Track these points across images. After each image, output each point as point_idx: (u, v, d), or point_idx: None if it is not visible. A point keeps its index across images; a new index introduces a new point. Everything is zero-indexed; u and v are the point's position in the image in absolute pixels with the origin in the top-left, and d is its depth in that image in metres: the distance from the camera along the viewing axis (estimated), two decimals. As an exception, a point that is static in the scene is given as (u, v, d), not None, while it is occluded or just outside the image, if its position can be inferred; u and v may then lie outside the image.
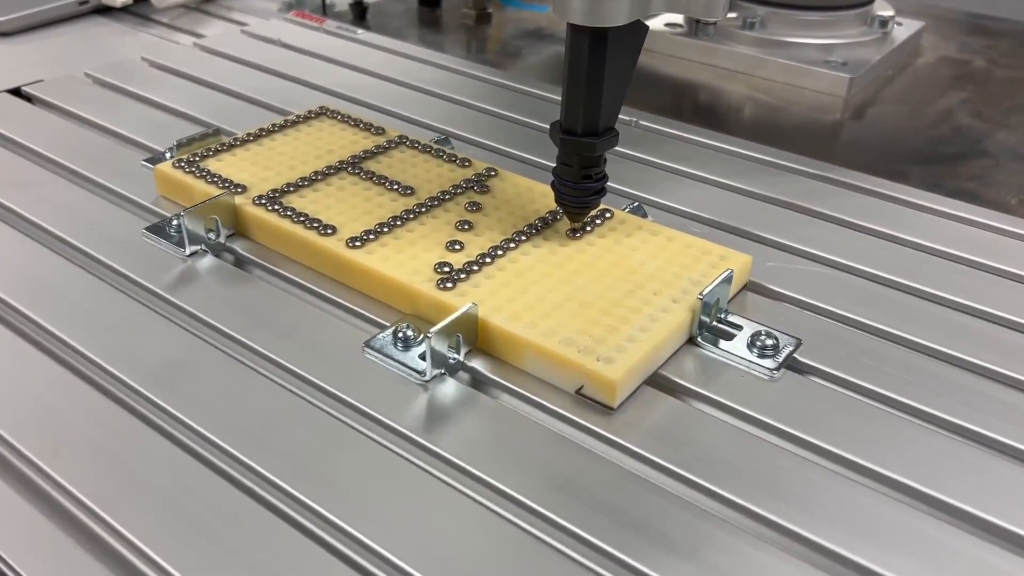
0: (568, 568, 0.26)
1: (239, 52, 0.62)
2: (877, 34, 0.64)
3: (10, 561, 0.26)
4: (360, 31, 0.65)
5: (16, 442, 0.30)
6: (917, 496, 0.29)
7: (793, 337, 0.34)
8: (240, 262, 0.40)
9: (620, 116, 0.35)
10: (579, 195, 0.36)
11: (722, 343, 0.34)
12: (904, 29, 0.67)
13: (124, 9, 0.72)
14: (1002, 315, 0.37)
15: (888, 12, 0.65)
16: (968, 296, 0.38)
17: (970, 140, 0.55)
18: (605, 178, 0.36)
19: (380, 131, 0.47)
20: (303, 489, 0.28)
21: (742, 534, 0.27)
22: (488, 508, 0.28)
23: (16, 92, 0.56)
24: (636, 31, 0.32)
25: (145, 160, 0.46)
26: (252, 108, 0.54)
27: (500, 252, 0.37)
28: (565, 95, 0.34)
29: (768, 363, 0.33)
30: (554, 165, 0.37)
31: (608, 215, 0.40)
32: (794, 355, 0.34)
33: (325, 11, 0.72)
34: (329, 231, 0.38)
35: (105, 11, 0.72)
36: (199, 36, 0.67)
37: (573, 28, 0.32)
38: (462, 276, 0.35)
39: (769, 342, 0.34)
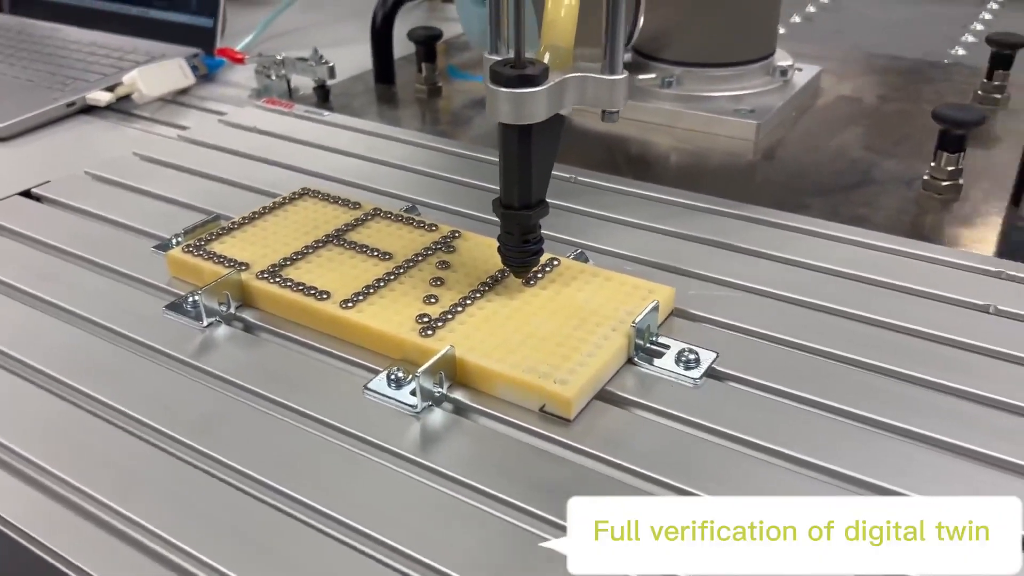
0: (548, 554, 0.33)
1: (220, 141, 0.69)
2: (779, 82, 0.73)
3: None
4: (326, 113, 0.73)
5: (91, 490, 0.36)
6: (815, 468, 0.36)
7: (712, 351, 0.43)
8: (249, 328, 0.47)
9: (560, 174, 0.43)
10: (521, 256, 0.44)
11: (655, 361, 0.42)
12: (804, 74, 0.77)
13: (108, 107, 0.79)
14: (885, 320, 0.45)
15: (787, 62, 0.74)
16: (857, 307, 0.46)
17: (862, 170, 0.64)
18: (541, 240, 0.44)
19: (356, 205, 0.55)
20: (326, 504, 0.35)
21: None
22: (476, 507, 0.35)
23: (27, 194, 0.62)
24: (555, 122, 0.40)
25: (155, 247, 0.53)
26: (240, 192, 0.61)
27: (469, 302, 0.45)
28: (502, 177, 0.42)
29: (692, 374, 0.41)
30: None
31: (556, 263, 0.48)
32: (713, 366, 0.42)
33: (291, 95, 0.80)
34: (324, 296, 0.45)
35: (90, 110, 0.79)
36: (180, 127, 0.74)
37: (502, 125, 0.40)
38: (439, 324, 0.43)
39: (692, 356, 0.42)
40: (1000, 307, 0.46)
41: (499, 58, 0.42)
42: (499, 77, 0.39)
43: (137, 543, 0.34)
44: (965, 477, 0.36)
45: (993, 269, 0.49)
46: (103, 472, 0.37)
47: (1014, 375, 0.41)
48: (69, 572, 0.33)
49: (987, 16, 1.07)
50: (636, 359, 0.42)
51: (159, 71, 0.80)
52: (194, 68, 0.84)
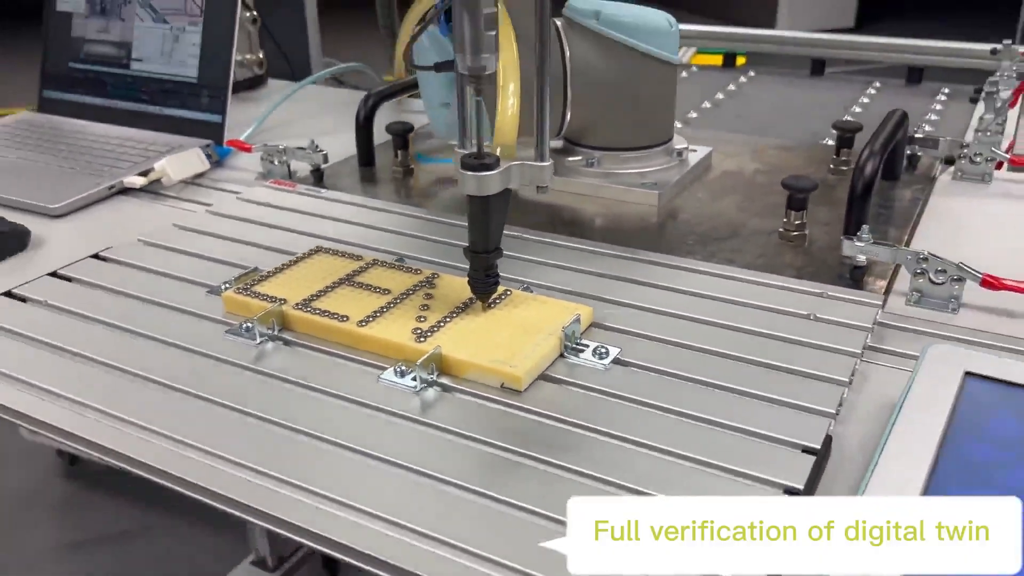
0: (512, 466, 0.52)
1: (241, 213, 0.87)
2: (676, 161, 0.94)
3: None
4: (323, 190, 0.92)
5: (181, 437, 0.54)
6: (686, 416, 0.55)
7: (617, 347, 0.62)
8: (289, 343, 0.65)
9: (516, 234, 0.62)
10: (484, 286, 0.63)
11: (579, 355, 0.61)
12: (697, 154, 0.98)
13: (141, 189, 0.97)
14: (739, 326, 0.65)
15: (683, 145, 0.96)
16: (721, 318, 0.66)
17: (735, 226, 0.84)
18: (498, 275, 0.64)
19: (359, 258, 0.74)
20: (354, 442, 0.53)
21: (597, 442, 0.53)
22: (459, 442, 0.54)
23: (96, 256, 0.80)
24: (505, 194, 0.60)
25: (208, 291, 0.71)
26: (263, 251, 0.79)
27: (448, 320, 0.63)
28: (470, 231, 0.62)
29: (604, 362, 0.60)
30: (467, 268, 0.64)
31: (508, 293, 0.67)
32: (619, 357, 0.61)
33: (291, 177, 0.99)
34: (344, 319, 0.64)
35: (126, 191, 0.97)
36: (205, 204, 0.93)
37: (469, 196, 0.60)
38: (428, 334, 0.62)
39: (604, 351, 0.61)
40: (818, 315, 0.66)
41: (466, 151, 0.61)
42: (467, 164, 0.59)
43: (212, 467, 0.52)
44: (771, 415, 0.55)
45: (817, 291, 0.70)
46: (196, 428, 0.55)
47: (812, 354, 0.61)
48: (165, 482, 0.51)
49: (864, 100, 1.31)
50: (565, 354, 0.61)
51: (182, 159, 0.99)
52: (207, 156, 1.02)
